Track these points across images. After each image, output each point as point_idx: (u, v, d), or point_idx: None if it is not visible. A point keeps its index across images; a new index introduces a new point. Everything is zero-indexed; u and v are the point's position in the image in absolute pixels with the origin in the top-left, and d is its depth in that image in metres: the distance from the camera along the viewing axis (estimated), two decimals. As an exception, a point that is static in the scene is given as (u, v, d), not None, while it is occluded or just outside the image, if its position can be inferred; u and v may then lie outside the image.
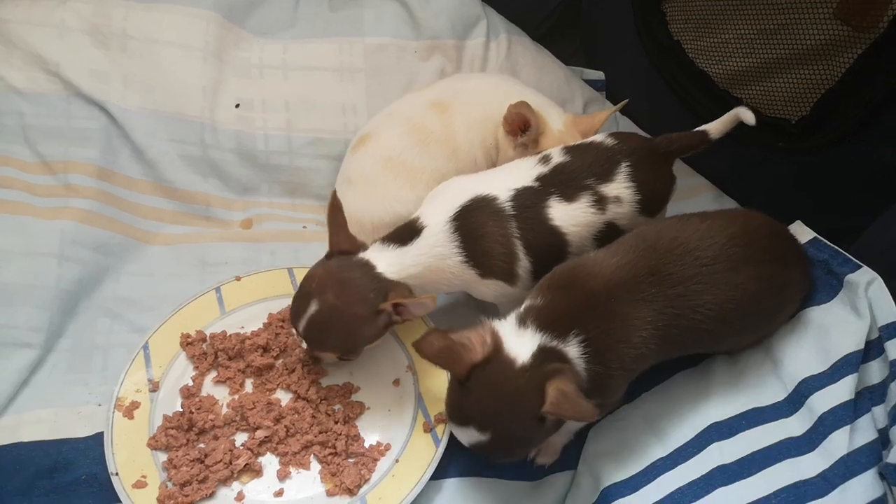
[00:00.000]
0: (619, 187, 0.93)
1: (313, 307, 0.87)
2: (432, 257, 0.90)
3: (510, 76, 1.29)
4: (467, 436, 0.78)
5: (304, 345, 0.97)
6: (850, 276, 0.85)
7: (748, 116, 0.95)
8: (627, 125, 1.37)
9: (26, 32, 1.17)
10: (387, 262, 0.90)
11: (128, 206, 1.16)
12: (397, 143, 1.11)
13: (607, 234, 0.93)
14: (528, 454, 0.87)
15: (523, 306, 0.82)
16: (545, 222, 0.91)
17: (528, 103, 1.04)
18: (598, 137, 0.99)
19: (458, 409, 0.79)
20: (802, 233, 0.93)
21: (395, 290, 0.88)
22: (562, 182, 0.93)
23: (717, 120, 0.98)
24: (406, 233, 0.92)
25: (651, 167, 0.96)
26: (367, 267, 0.89)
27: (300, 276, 1.08)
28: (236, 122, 1.22)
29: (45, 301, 1.01)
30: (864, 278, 0.83)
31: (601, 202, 0.93)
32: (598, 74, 1.44)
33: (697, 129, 0.98)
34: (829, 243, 0.90)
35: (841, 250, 0.88)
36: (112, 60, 1.18)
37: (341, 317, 0.88)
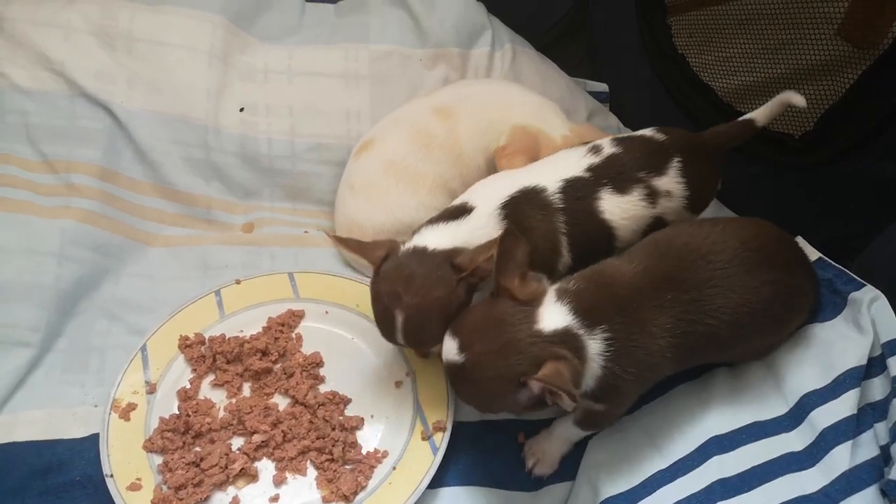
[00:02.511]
0: (671, 182, 0.93)
1: (399, 318, 0.85)
2: (480, 237, 0.87)
3: (514, 81, 1.29)
4: (448, 348, 0.79)
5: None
6: (854, 294, 0.85)
7: (798, 100, 0.94)
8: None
9: (32, 32, 1.17)
10: (436, 237, 0.87)
11: (129, 207, 1.16)
12: (400, 148, 1.11)
13: (654, 228, 0.92)
14: (486, 411, 0.86)
15: (557, 286, 0.81)
16: (595, 215, 0.90)
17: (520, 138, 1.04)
18: (647, 131, 0.99)
19: (464, 319, 0.79)
20: (806, 251, 0.93)
21: (460, 255, 0.85)
22: (614, 173, 0.92)
23: (764, 106, 0.97)
24: (455, 212, 0.90)
25: (701, 163, 0.95)
26: (419, 251, 0.86)
27: (300, 280, 1.09)
28: (240, 126, 1.22)
29: (43, 300, 1.00)
30: (868, 296, 0.83)
31: (653, 196, 0.92)
32: (602, 86, 1.45)
33: (742, 118, 0.98)
34: (833, 262, 0.90)
35: (845, 269, 0.88)
36: (117, 62, 1.18)
37: (429, 310, 0.84)
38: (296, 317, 1.05)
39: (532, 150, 1.07)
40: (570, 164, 0.93)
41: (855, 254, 0.93)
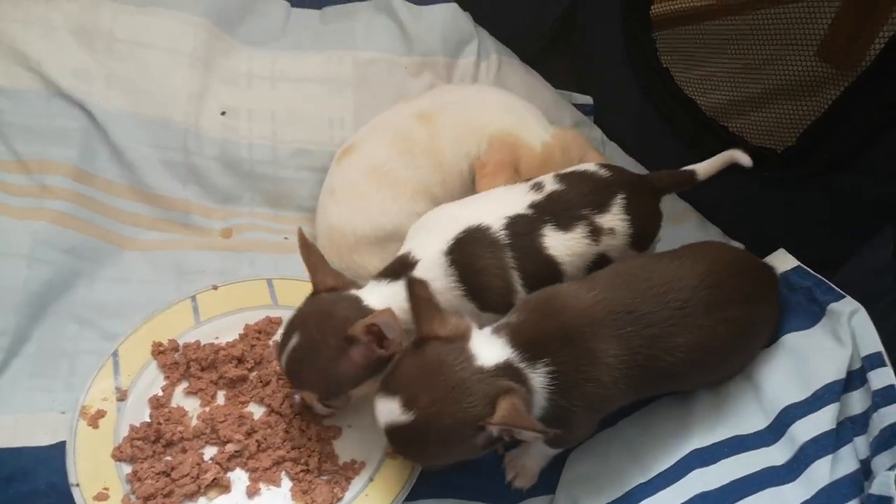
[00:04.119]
0: (614, 219, 0.92)
1: (291, 343, 0.82)
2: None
3: (497, 87, 1.29)
4: (388, 410, 0.73)
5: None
6: (833, 306, 0.85)
7: (744, 159, 0.96)
8: (614, 149, 1.37)
9: (9, 29, 1.14)
10: (377, 296, 0.85)
11: (104, 209, 1.13)
12: (382, 153, 1.10)
13: (599, 264, 0.91)
14: (442, 463, 0.82)
15: (498, 322, 0.80)
16: (540, 251, 0.89)
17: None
18: (591, 167, 0.98)
19: (396, 375, 0.75)
20: (785, 261, 0.93)
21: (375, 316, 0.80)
22: (557, 210, 0.91)
23: (707, 161, 0.99)
24: (398, 267, 0.88)
25: (644, 201, 0.95)
26: (353, 300, 0.84)
27: (279, 287, 1.07)
28: (221, 130, 1.20)
29: (10, 303, 0.97)
30: (848, 308, 0.83)
31: (596, 233, 0.91)
32: (587, 99, 1.45)
33: (686, 168, 0.99)
34: (812, 272, 0.90)
35: (824, 279, 0.88)
36: (96, 61, 1.16)
37: (317, 351, 0.81)
38: (273, 324, 1.03)
39: (512, 163, 1.06)
40: (513, 201, 0.92)
41: (836, 268, 0.94)
